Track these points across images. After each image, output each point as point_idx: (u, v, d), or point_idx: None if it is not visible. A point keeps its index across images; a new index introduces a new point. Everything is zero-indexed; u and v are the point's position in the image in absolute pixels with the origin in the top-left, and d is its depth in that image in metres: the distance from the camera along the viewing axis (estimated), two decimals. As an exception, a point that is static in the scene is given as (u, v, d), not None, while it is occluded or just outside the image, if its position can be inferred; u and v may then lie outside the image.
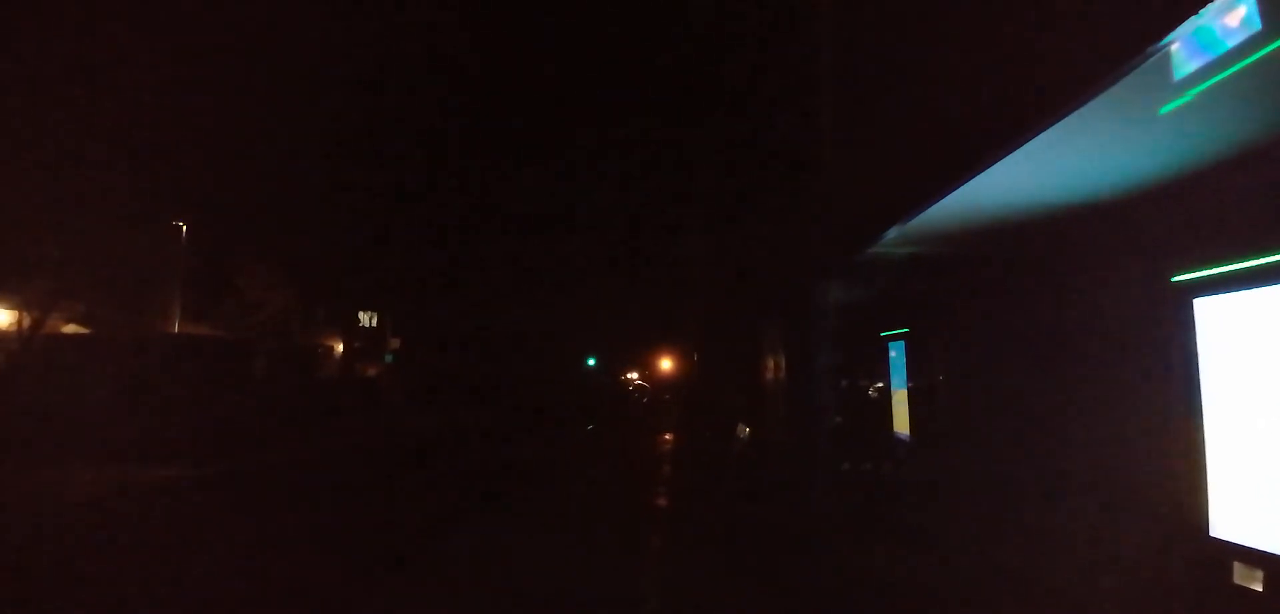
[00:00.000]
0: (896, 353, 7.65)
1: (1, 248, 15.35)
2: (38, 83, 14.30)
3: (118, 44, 15.35)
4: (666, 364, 48.97)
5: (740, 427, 15.11)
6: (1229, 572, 2.91)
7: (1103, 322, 3.97)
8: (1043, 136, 3.01)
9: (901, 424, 7.54)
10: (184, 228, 21.60)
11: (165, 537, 8.61)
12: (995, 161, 3.39)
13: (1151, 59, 2.44)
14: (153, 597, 6.16)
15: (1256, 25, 2.35)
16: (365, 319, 35.85)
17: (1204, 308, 3.17)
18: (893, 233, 5.21)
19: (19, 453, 12.89)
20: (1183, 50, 2.49)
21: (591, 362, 52.23)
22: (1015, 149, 3.20)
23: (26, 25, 14.19)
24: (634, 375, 56.62)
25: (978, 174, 3.59)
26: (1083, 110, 2.76)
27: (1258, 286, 2.88)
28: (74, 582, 6.53)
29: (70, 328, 18.99)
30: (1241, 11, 2.37)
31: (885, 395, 8.12)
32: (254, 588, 6.45)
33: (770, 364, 13.26)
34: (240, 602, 6.13)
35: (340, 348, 33.10)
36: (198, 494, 11.17)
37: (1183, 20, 2.25)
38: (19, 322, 16.84)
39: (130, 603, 6.01)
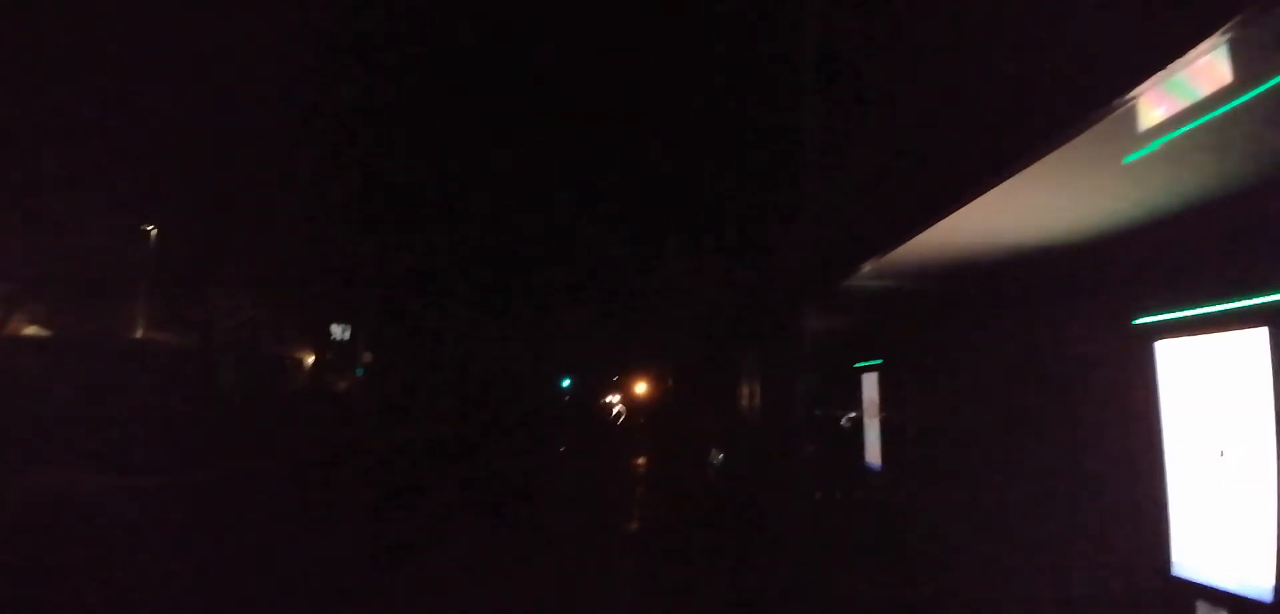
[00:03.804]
0: (869, 383, 7.74)
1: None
2: (3, 83, 13.97)
3: (87, 43, 15.08)
4: (643, 388, 48.89)
5: (714, 452, 15.11)
6: (1193, 611, 2.97)
7: (1068, 361, 4.07)
8: (1012, 182, 3.10)
9: (872, 453, 7.61)
10: (152, 231, 21.13)
11: (108, 549, 8.28)
12: (966, 204, 3.48)
13: (1117, 111, 2.53)
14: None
15: (1221, 81, 2.46)
16: (338, 331, 35.28)
17: (1165, 350, 3.26)
18: (868, 267, 5.31)
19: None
20: (1147, 103, 2.59)
21: (566, 383, 51.96)
22: (985, 193, 3.29)
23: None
24: (615, 398, 56.41)
25: (949, 215, 3.69)
26: (1051, 160, 2.85)
27: (1217, 332, 2.97)
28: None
29: (30, 330, 18.43)
30: (1205, 67, 2.47)
31: (857, 425, 8.20)
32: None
33: (745, 391, 13.32)
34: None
35: (310, 359, 32.53)
36: (146, 505, 10.85)
37: (1148, 76, 2.34)
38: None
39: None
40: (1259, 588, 2.77)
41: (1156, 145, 2.70)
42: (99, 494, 11.08)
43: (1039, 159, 2.85)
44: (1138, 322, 3.48)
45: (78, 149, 15.60)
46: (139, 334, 21.17)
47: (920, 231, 4.07)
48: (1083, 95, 2.60)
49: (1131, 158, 2.88)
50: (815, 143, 8.17)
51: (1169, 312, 3.24)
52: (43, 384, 14.72)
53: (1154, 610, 3.23)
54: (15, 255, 15.53)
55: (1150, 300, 3.41)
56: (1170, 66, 2.28)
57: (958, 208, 3.56)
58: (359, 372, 33.91)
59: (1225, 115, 2.45)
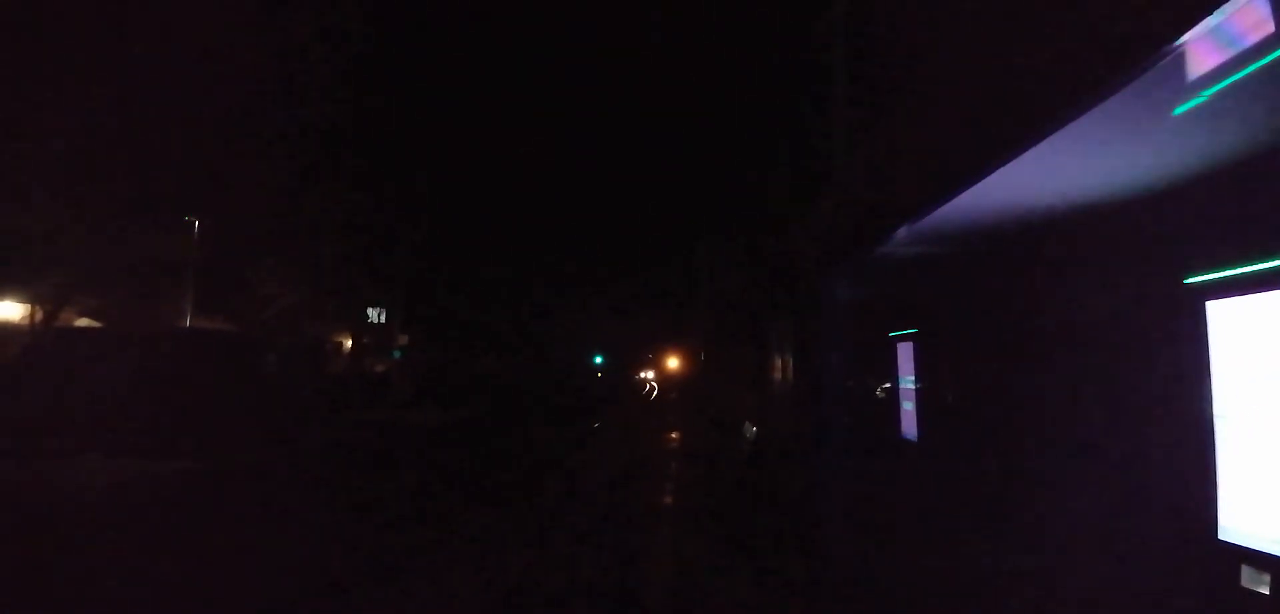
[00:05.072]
0: (904, 353, 7.63)
1: (15, 243, 15.51)
2: (51, 80, 14.43)
3: (130, 41, 15.47)
4: (675, 363, 48.97)
5: (747, 425, 15.10)
6: (1237, 574, 2.90)
7: (1114, 324, 3.96)
8: (1057, 137, 3.01)
9: (909, 425, 7.52)
10: (196, 223, 21.74)
11: (162, 533, 8.64)
12: (1007, 163, 3.39)
13: (1165, 60, 2.43)
14: (146, 590, 6.21)
15: (1270, 27, 2.34)
16: (374, 315, 35.99)
17: (1216, 311, 3.16)
18: (902, 232, 5.21)
19: (31, 445, 13.03)
20: (1196, 51, 2.48)
21: (598, 360, 52.31)
22: (1027, 150, 3.20)
23: (41, 23, 14.33)
24: (648, 374, 56.74)
25: (989, 175, 3.60)
26: (1097, 113, 2.75)
27: (1271, 289, 2.86)
28: (73, 574, 6.56)
29: (83, 322, 19.17)
30: (1255, 12, 2.36)
31: (892, 395, 8.10)
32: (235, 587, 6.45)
33: (778, 363, 13.25)
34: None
35: (349, 343, 33.28)
36: (203, 489, 11.27)
37: (1196, 22, 2.24)
38: (31, 315, 17.02)
39: (127, 595, 6.06)
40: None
41: (1207, 95, 2.60)
42: (146, 478, 11.55)
43: (1083, 113, 2.76)
44: (1189, 281, 3.36)
45: (122, 144, 16.07)
46: (187, 322, 21.88)
47: (958, 193, 3.99)
48: (1129, 44, 2.51)
49: (1181, 109, 2.77)
50: (846, 105, 8.02)
51: (1221, 270, 3.13)
52: (95, 373, 15.33)
53: (1198, 574, 3.16)
54: (68, 248, 16.12)
55: (1201, 259, 3.30)
56: (1221, 10, 2.19)
57: (997, 167, 3.47)
58: (396, 354, 34.58)
59: (1278, 60, 2.34)
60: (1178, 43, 2.32)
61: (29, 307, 17.39)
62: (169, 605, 5.89)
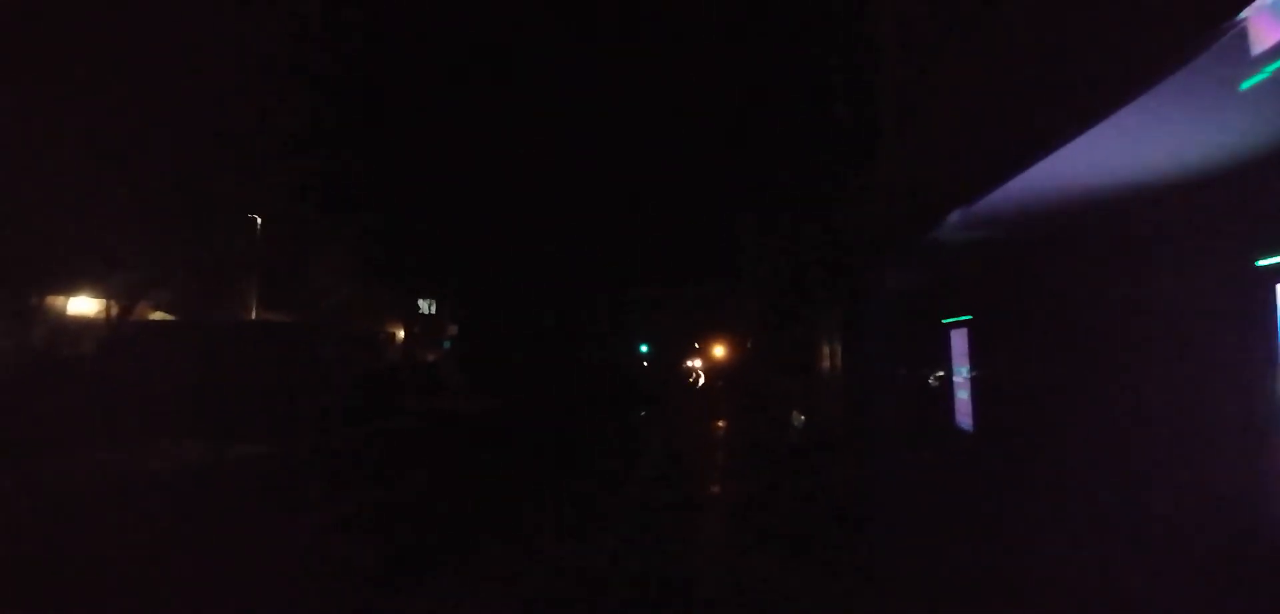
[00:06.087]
0: (958, 340, 7.49)
1: (92, 242, 16.43)
2: (124, 88, 15.21)
3: (199, 43, 16.19)
4: (722, 351, 48.81)
5: (795, 414, 15.00)
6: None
7: (1180, 309, 3.83)
8: (1118, 116, 2.93)
9: (963, 414, 7.39)
10: (259, 222, 22.66)
11: (225, 514, 8.99)
12: (1067, 142, 3.32)
13: (1229, 35, 2.37)
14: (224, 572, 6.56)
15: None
16: (424, 306, 36.93)
17: (1289, 293, 3.05)
18: (956, 216, 5.13)
19: (109, 431, 13.83)
20: (1260, 24, 2.40)
21: (644, 349, 52.43)
22: (1088, 129, 3.12)
23: (112, 26, 15.09)
24: (697, 362, 56.69)
25: (1048, 156, 3.52)
26: (1160, 89, 2.68)
27: (1348, 270, 2.76)
28: (144, 551, 6.93)
29: (156, 315, 20.21)
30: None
31: (946, 384, 7.97)
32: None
33: (826, 351, 13.12)
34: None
35: (401, 334, 34.23)
36: (266, 472, 11.82)
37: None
38: (108, 309, 18.04)
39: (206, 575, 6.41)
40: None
41: (1273, 68, 2.51)
42: (214, 462, 12.17)
43: (1147, 90, 2.69)
44: (1260, 263, 3.25)
45: (192, 144, 16.86)
46: (253, 315, 22.88)
47: (1015, 176, 3.91)
48: (1194, 15, 2.44)
49: (1248, 83, 2.68)
50: (897, 87, 7.88)
51: (1294, 250, 3.02)
52: (168, 363, 16.19)
53: (1271, 566, 3.06)
54: (141, 247, 17.00)
55: (1273, 240, 3.18)
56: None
57: (1056, 149, 3.39)
58: (445, 344, 35.41)
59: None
60: (1241, 17, 2.26)
61: (105, 302, 18.41)
62: (226, 583, 6.21)
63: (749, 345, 33.53)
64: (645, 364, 51.09)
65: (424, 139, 25.53)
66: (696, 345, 57.39)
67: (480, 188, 30.61)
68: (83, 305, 19.23)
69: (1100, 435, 4.53)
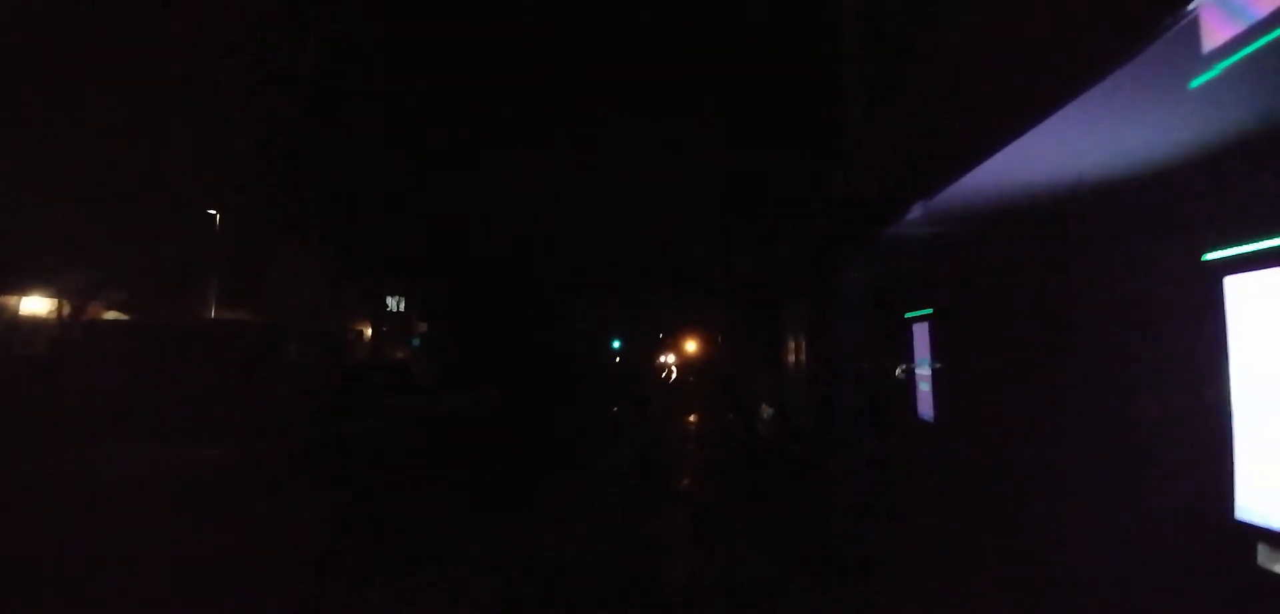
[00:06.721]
0: (920, 333, 7.57)
1: (43, 238, 15.86)
2: (76, 80, 14.68)
3: (154, 40, 15.69)
4: (695, 346, 49.01)
5: (763, 407, 15.09)
6: (1253, 554, 2.86)
7: (1131, 301, 3.89)
8: (1070, 110, 2.94)
9: (925, 406, 7.47)
10: (217, 216, 22.07)
11: (182, 520, 8.71)
12: (1020, 135, 3.32)
13: (1179, 28, 2.37)
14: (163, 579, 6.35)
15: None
16: (393, 303, 36.38)
17: (1234, 286, 3.10)
18: (917, 210, 5.15)
19: (60, 435, 13.36)
20: (1211, 20, 2.42)
21: (616, 344, 52.38)
22: (1041, 121, 3.13)
23: (67, 23, 14.56)
24: (668, 358, 56.81)
25: (1002, 148, 3.53)
26: (1111, 83, 2.69)
27: (1291, 264, 2.80)
28: (93, 559, 6.69)
29: (110, 314, 19.59)
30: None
31: (908, 377, 8.05)
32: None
33: (793, 345, 13.21)
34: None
35: (369, 331, 33.67)
36: (224, 476, 11.51)
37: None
38: (60, 308, 17.43)
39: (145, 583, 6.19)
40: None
41: (1222, 66, 2.53)
42: (170, 466, 11.80)
43: (1097, 82, 2.69)
44: (1207, 257, 3.30)
45: (147, 140, 16.35)
46: (212, 313, 22.29)
47: (970, 170, 3.92)
48: (1141, 9, 2.44)
49: (1197, 81, 2.70)
50: (859, 82, 7.92)
51: (1239, 245, 3.06)
52: (122, 364, 15.68)
53: (1215, 554, 3.12)
54: (95, 244, 16.46)
55: (1219, 234, 3.23)
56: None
57: (1009, 142, 3.41)
58: (414, 342, 34.93)
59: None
60: (1191, 8, 2.26)
61: (56, 301, 17.80)
62: (183, 591, 6.02)
63: (721, 340, 33.68)
64: (618, 360, 51.05)
65: (391, 133, 25.09)
66: (670, 340, 57.50)
67: (449, 183, 30.18)
68: (34, 305, 18.57)
69: (1052, 427, 4.59)
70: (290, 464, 12.87)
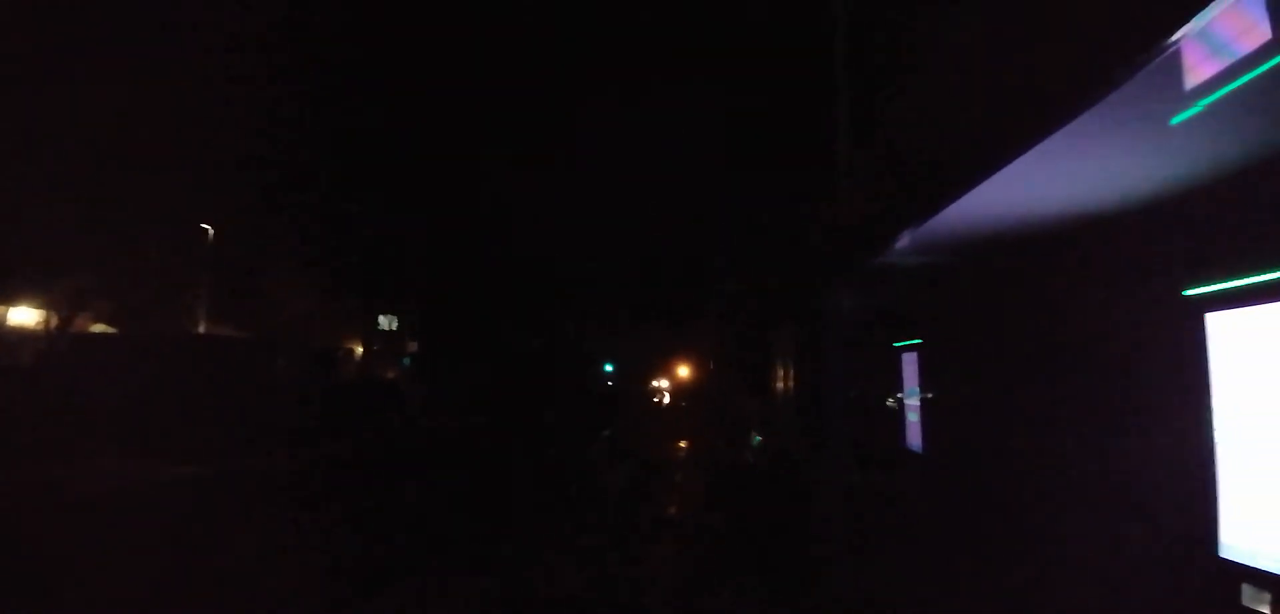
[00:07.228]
0: (909, 363, 7.55)
1: (30, 249, 15.74)
2: (66, 88, 14.67)
3: (145, 50, 15.72)
4: (687, 372, 48.94)
5: (753, 435, 15.01)
6: (1237, 593, 2.82)
7: (1114, 335, 3.89)
8: (1054, 145, 2.96)
9: (913, 436, 7.44)
10: (210, 231, 21.97)
11: (167, 536, 8.56)
12: (1004, 167, 3.34)
13: (1161, 65, 2.39)
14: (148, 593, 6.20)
15: (1267, 33, 2.30)
16: (385, 322, 36.22)
17: (1216, 322, 3.09)
18: (904, 240, 5.16)
19: (44, 448, 13.14)
20: (1193, 58, 2.43)
21: (609, 368, 52.14)
22: (1025, 154, 3.14)
23: (58, 33, 14.58)
24: (664, 383, 56.60)
25: (987, 180, 3.54)
26: (1094, 119, 2.71)
27: (1271, 301, 2.80)
28: (78, 575, 6.54)
29: (98, 327, 19.39)
30: (1251, 19, 2.31)
31: (897, 407, 8.02)
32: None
33: (782, 373, 13.18)
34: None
35: (360, 350, 33.48)
36: (210, 494, 11.32)
37: (1189, 18, 2.20)
38: (46, 321, 17.26)
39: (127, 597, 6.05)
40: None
41: (1204, 104, 2.55)
42: (156, 482, 11.61)
43: (1080, 115, 2.70)
44: (1188, 293, 3.30)
45: (139, 151, 16.31)
46: (201, 328, 22.11)
47: (956, 199, 3.93)
48: (1123, 44, 2.46)
49: (1178, 118, 2.72)
50: (846, 113, 7.98)
51: (1220, 282, 3.06)
52: (109, 378, 15.47)
53: (1199, 592, 3.08)
54: (81, 256, 16.34)
55: (1201, 270, 3.23)
56: (1214, 12, 2.15)
57: (993, 174, 3.42)
58: (405, 362, 34.74)
59: (1276, 68, 2.29)
60: (1172, 40, 2.27)
61: (43, 313, 17.62)
62: (168, 608, 5.89)
63: (711, 367, 33.63)
64: (610, 384, 50.80)
65: (386, 151, 25.16)
66: (662, 366, 57.36)
67: (443, 204, 30.25)
68: (21, 316, 18.38)
69: (1038, 458, 4.57)
70: (263, 484, 12.67)
